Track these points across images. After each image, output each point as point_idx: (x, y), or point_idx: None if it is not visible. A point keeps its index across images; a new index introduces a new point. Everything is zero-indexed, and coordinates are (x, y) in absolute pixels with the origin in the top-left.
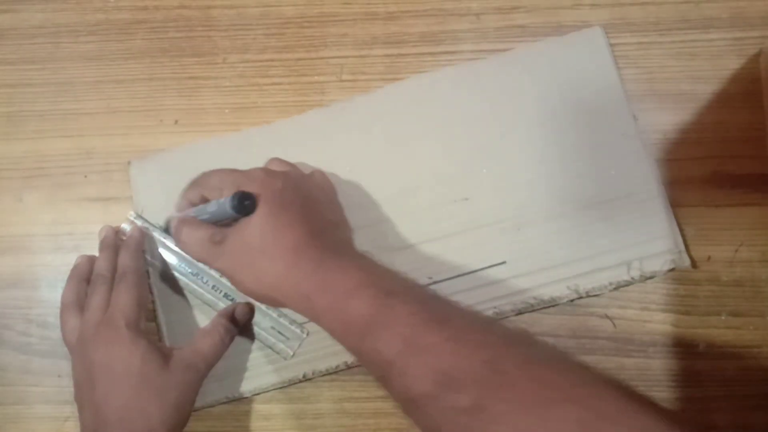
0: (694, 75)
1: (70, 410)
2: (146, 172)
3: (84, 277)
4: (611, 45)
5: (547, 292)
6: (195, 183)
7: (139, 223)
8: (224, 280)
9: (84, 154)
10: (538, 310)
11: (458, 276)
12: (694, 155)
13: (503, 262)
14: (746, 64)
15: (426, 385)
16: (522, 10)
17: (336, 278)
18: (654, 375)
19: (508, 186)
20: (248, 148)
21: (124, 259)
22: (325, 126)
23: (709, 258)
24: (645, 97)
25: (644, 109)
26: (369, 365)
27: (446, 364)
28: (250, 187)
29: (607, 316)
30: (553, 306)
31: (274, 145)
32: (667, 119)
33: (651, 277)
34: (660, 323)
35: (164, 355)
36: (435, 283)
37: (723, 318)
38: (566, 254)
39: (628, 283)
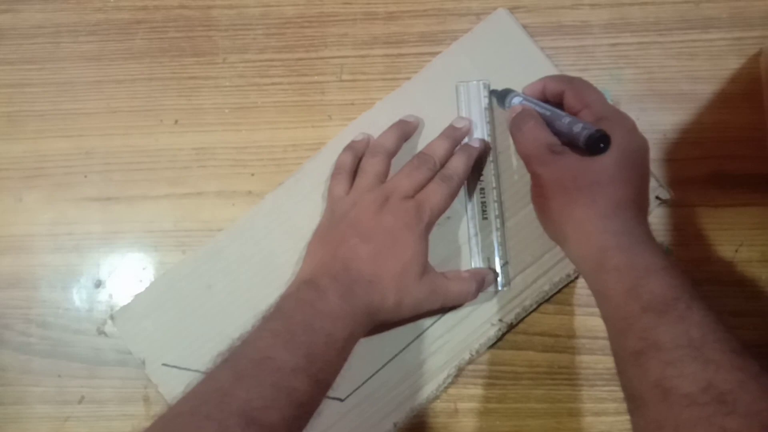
0: (694, 75)
1: (70, 410)
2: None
3: (359, 153)
4: (612, 45)
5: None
6: (563, 81)
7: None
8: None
9: (84, 154)
10: (536, 310)
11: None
12: (694, 155)
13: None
14: (746, 64)
15: (692, 388)
16: (522, 10)
17: (642, 250)
18: None
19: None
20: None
21: (459, 163)
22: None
23: (709, 258)
24: (645, 97)
25: (644, 109)
26: (628, 332)
27: (726, 386)
28: (612, 130)
29: None
30: (555, 295)
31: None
32: (667, 119)
33: None
34: None
35: (425, 268)
36: None
37: (723, 318)
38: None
39: None
